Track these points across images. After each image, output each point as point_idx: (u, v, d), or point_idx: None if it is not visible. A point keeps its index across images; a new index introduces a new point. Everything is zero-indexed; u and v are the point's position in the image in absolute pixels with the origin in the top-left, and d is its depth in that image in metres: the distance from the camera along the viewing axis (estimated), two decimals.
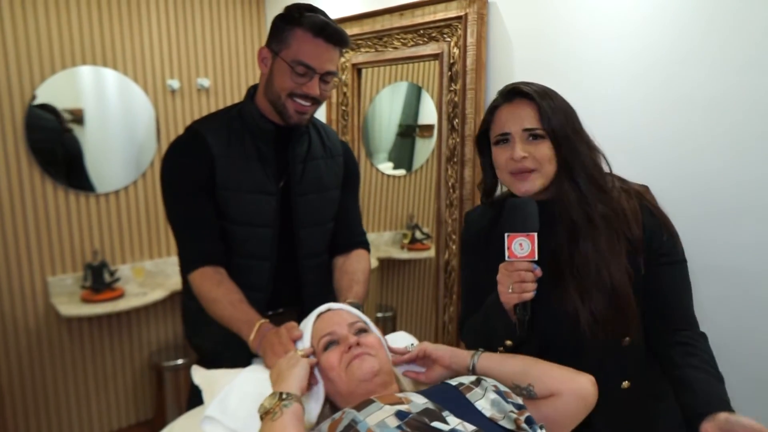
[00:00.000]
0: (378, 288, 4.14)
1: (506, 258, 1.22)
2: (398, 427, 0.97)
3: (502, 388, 1.16)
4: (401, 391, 1.27)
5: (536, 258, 1.20)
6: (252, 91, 1.69)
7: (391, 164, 4.21)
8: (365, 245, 1.88)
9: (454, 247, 2.47)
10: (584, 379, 1.19)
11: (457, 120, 2.32)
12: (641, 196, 1.32)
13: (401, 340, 1.57)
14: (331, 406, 1.27)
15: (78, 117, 3.00)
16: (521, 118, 1.27)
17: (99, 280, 2.96)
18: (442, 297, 2.59)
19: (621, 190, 1.31)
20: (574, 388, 1.18)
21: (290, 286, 1.73)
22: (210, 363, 1.72)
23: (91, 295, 2.93)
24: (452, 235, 2.47)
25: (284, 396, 1.08)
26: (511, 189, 1.31)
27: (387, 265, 4.27)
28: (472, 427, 0.99)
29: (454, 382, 1.17)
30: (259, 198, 1.62)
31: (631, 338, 1.28)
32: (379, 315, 4.02)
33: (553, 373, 1.20)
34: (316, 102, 1.57)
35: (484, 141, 1.38)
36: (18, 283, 2.86)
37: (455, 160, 2.38)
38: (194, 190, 1.58)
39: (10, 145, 2.77)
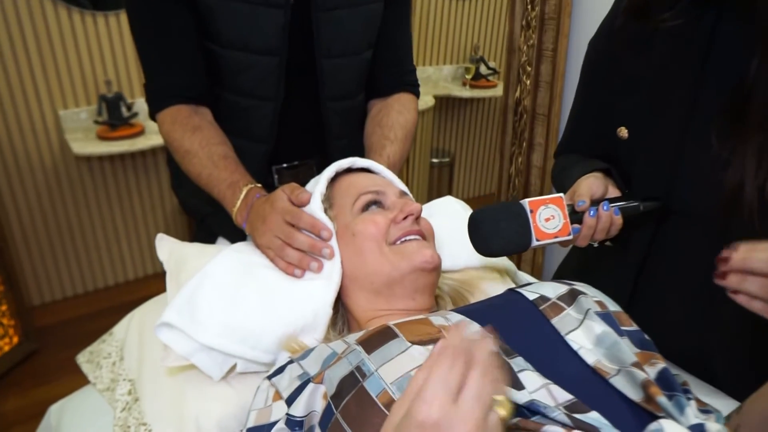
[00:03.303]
0: (434, 130, 3.67)
1: (533, 239, 0.83)
2: None
3: (612, 306, 0.72)
4: (436, 306, 0.87)
5: (571, 234, 0.86)
6: None
7: None
8: (413, 88, 1.36)
9: (528, 82, 1.95)
10: None
11: None
12: None
13: (449, 206, 1.15)
14: (342, 306, 0.89)
15: None
16: None
17: (115, 114, 2.61)
18: (509, 145, 2.11)
19: None
20: None
21: (308, 137, 1.28)
22: (200, 226, 1.36)
23: (107, 131, 2.59)
24: (527, 66, 1.94)
25: None
26: None
27: (445, 104, 3.75)
28: (566, 396, 0.58)
29: (530, 293, 0.74)
30: (259, 11, 1.11)
31: None
32: (435, 161, 3.59)
33: None
34: None
35: None
36: (27, 117, 2.53)
37: None
38: None
39: None
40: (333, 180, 0.96)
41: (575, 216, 0.87)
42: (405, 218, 0.85)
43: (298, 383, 0.69)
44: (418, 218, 0.87)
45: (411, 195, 0.96)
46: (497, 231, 0.82)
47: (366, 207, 0.89)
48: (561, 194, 0.87)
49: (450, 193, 3.77)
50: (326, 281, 0.86)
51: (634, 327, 0.69)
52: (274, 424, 0.66)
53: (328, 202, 0.93)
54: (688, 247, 0.90)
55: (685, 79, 0.85)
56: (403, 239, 0.84)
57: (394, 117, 1.26)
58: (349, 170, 0.98)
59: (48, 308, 2.80)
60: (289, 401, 0.67)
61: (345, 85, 1.26)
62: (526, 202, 0.83)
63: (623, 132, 0.94)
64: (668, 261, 0.94)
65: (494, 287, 1.00)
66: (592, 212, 0.86)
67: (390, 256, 0.83)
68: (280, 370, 0.73)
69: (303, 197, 0.92)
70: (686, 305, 0.93)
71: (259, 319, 0.83)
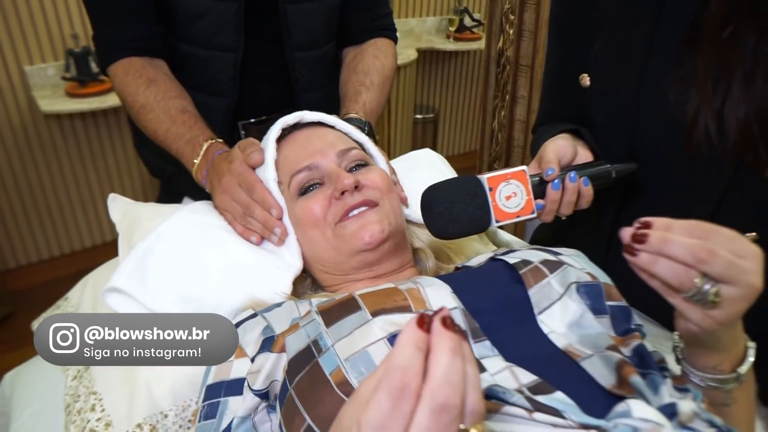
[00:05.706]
0: (417, 85, 3.57)
1: (492, 221, 0.76)
2: None
3: (603, 278, 0.66)
4: (413, 266, 0.82)
5: (535, 212, 0.78)
6: None
7: None
8: (389, 32, 1.29)
9: (511, 32, 1.87)
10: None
11: None
12: None
13: (424, 161, 1.09)
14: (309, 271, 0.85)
15: None
16: None
17: (84, 70, 2.50)
18: (491, 98, 2.05)
19: None
20: None
21: (274, 90, 1.21)
22: (165, 187, 1.31)
23: (76, 88, 2.49)
24: (510, 15, 1.86)
25: None
26: None
27: (429, 57, 3.64)
28: (530, 378, 0.53)
29: (511, 258, 0.68)
30: None
31: None
32: (418, 116, 3.51)
33: None
34: None
35: None
36: None
37: None
38: None
39: None
40: (284, 139, 0.87)
41: (541, 188, 0.79)
42: (342, 193, 0.77)
43: (262, 339, 0.64)
44: (358, 186, 0.77)
45: (360, 139, 0.89)
46: (452, 213, 0.74)
47: (303, 190, 0.80)
48: (524, 167, 0.79)
49: (434, 150, 3.70)
50: (285, 269, 0.81)
51: (623, 302, 0.64)
52: (234, 381, 0.62)
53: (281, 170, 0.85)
54: (657, 202, 0.86)
55: (644, 17, 0.80)
56: (346, 216, 0.76)
57: (370, 62, 1.19)
58: (297, 126, 0.88)
59: (23, 271, 2.74)
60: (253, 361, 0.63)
61: (312, 31, 1.18)
62: (484, 178, 0.75)
63: (585, 80, 0.88)
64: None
65: (475, 247, 0.96)
66: (555, 185, 0.79)
67: (332, 240, 0.76)
68: (241, 323, 0.69)
69: (254, 158, 0.84)
70: None
71: (215, 290, 0.78)
